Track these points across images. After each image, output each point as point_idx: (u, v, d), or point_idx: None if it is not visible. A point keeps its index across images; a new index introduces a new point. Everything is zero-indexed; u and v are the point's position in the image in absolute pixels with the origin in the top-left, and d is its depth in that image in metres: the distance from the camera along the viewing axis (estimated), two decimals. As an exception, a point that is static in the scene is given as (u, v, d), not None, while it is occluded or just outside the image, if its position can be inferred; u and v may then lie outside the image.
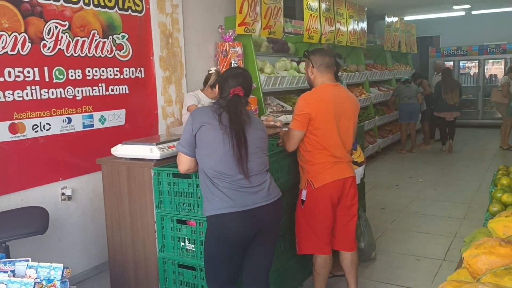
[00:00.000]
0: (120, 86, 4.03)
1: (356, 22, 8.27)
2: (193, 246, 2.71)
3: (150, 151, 2.76)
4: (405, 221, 5.06)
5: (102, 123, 3.89)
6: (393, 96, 9.11)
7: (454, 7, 10.75)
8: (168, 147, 2.80)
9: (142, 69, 4.25)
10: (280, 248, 3.22)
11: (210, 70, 4.17)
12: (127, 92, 4.10)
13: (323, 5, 6.96)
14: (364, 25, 8.70)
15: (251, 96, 5.12)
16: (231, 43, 5.06)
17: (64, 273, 2.06)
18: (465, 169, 7.55)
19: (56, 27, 3.48)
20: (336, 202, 3.02)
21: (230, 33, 5.06)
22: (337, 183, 2.97)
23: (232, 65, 5.02)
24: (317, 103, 2.92)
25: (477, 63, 12.55)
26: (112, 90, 3.96)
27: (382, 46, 10.01)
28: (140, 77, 4.23)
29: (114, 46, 3.94)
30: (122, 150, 2.89)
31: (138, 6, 4.17)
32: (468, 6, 10.67)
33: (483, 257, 1.35)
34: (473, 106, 12.67)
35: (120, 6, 3.98)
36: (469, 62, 12.78)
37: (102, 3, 3.82)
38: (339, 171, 2.98)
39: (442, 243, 4.35)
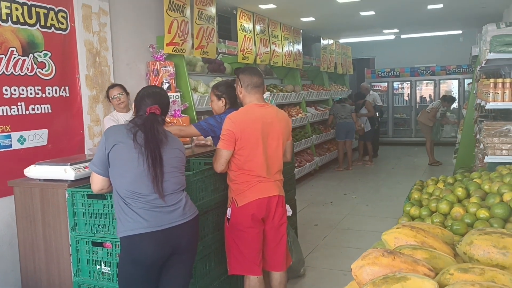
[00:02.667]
0: (42, 105, 3.89)
1: (291, 43, 8.50)
2: (109, 269, 2.63)
3: (64, 172, 2.68)
4: (336, 237, 5.18)
5: (22, 144, 3.73)
6: (330, 115, 9.38)
7: (384, 31, 11.33)
8: (84, 167, 2.72)
9: (66, 87, 4.14)
10: (205, 268, 3.19)
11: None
12: (50, 111, 3.97)
13: (258, 27, 7.12)
14: (299, 46, 8.96)
15: (183, 115, 5.13)
16: (162, 62, 5.04)
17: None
18: (397, 185, 7.85)
19: (-31, 44, 3.34)
20: (261, 221, 3.01)
21: (162, 52, 5.05)
22: (260, 201, 2.96)
23: (164, 84, 5.01)
24: (243, 123, 2.93)
25: (409, 84, 13.24)
26: (33, 109, 3.82)
27: (318, 67, 10.33)
28: (64, 96, 4.12)
29: (35, 64, 3.82)
30: (35, 171, 2.78)
31: (62, 24, 4.07)
32: (396, 30, 11.28)
33: (367, 268, 1.41)
34: (406, 125, 13.30)
35: (42, 24, 3.88)
36: (402, 83, 13.45)
37: (22, 20, 3.71)
38: (263, 189, 2.97)
39: (369, 257, 4.47)
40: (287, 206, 3.23)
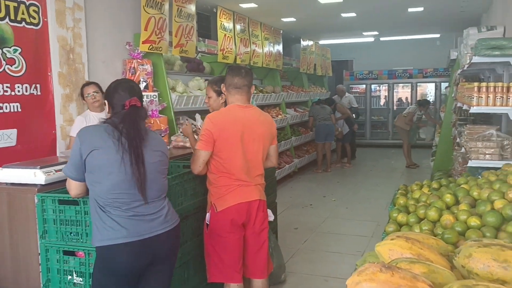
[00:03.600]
0: (10, 104, 3.69)
1: (272, 44, 8.40)
2: (81, 279, 2.46)
3: (34, 175, 2.50)
4: (317, 241, 5.10)
5: (-12, 144, 3.52)
6: (310, 117, 9.31)
7: (364, 33, 11.36)
8: (55, 171, 2.56)
9: (38, 85, 3.93)
10: (183, 276, 3.07)
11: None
12: (19, 110, 3.76)
13: (238, 26, 6.99)
14: (280, 47, 8.87)
15: (161, 115, 4.96)
16: (139, 60, 4.86)
17: None
18: (375, 187, 7.85)
19: None
20: (241, 226, 2.91)
21: (139, 50, 4.87)
22: (240, 206, 2.84)
23: (141, 83, 4.83)
24: (222, 123, 2.83)
25: (387, 87, 13.31)
26: (1, 107, 3.62)
27: (298, 68, 10.27)
28: (35, 94, 3.91)
29: (3, 60, 3.62)
30: (2, 175, 2.60)
31: (34, 18, 3.87)
32: (376, 32, 11.32)
33: (364, 284, 1.30)
34: (384, 127, 13.38)
35: (12, 18, 3.67)
36: (380, 85, 13.53)
37: (-10, 14, 3.50)
38: (243, 194, 2.86)
39: (350, 262, 4.39)
40: (269, 211, 3.13)
